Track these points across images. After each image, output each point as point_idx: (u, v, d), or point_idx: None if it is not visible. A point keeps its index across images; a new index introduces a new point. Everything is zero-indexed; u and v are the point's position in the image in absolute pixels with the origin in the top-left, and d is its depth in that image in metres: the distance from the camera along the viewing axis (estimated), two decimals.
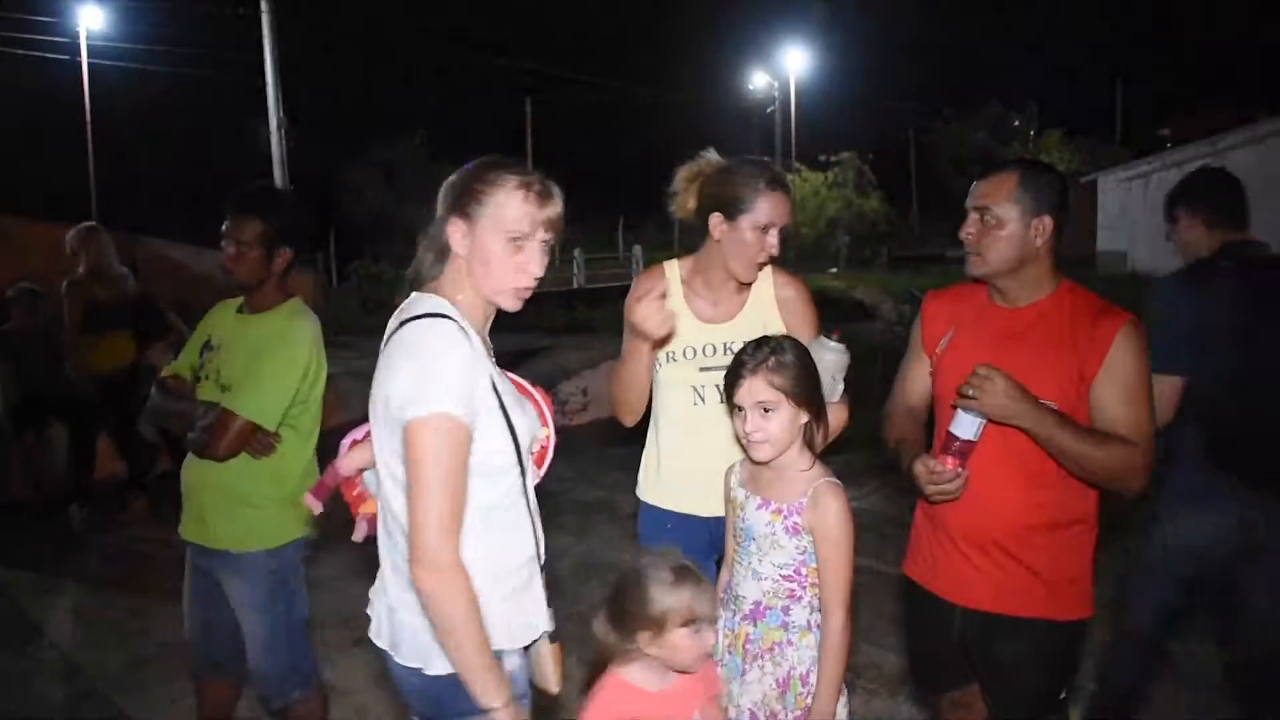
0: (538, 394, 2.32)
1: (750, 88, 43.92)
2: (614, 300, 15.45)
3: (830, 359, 2.62)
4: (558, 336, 11.92)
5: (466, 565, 1.91)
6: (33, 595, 5.35)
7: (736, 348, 2.60)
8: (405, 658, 2.01)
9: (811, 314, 2.89)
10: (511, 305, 2.08)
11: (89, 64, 27.88)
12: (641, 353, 2.70)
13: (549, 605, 2.12)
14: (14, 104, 29.87)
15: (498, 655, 1.97)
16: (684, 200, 2.86)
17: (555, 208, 2.04)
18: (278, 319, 3.02)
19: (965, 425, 2.37)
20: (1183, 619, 3.46)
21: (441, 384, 1.87)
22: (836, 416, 2.69)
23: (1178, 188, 3.37)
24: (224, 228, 3.00)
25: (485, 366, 2.00)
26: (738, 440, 2.48)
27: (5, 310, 6.85)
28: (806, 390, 2.39)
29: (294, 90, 18.36)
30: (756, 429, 2.37)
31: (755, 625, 2.44)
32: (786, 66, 42.18)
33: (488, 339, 2.12)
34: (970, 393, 2.33)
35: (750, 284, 2.85)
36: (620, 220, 31.04)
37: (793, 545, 2.40)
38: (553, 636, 2.12)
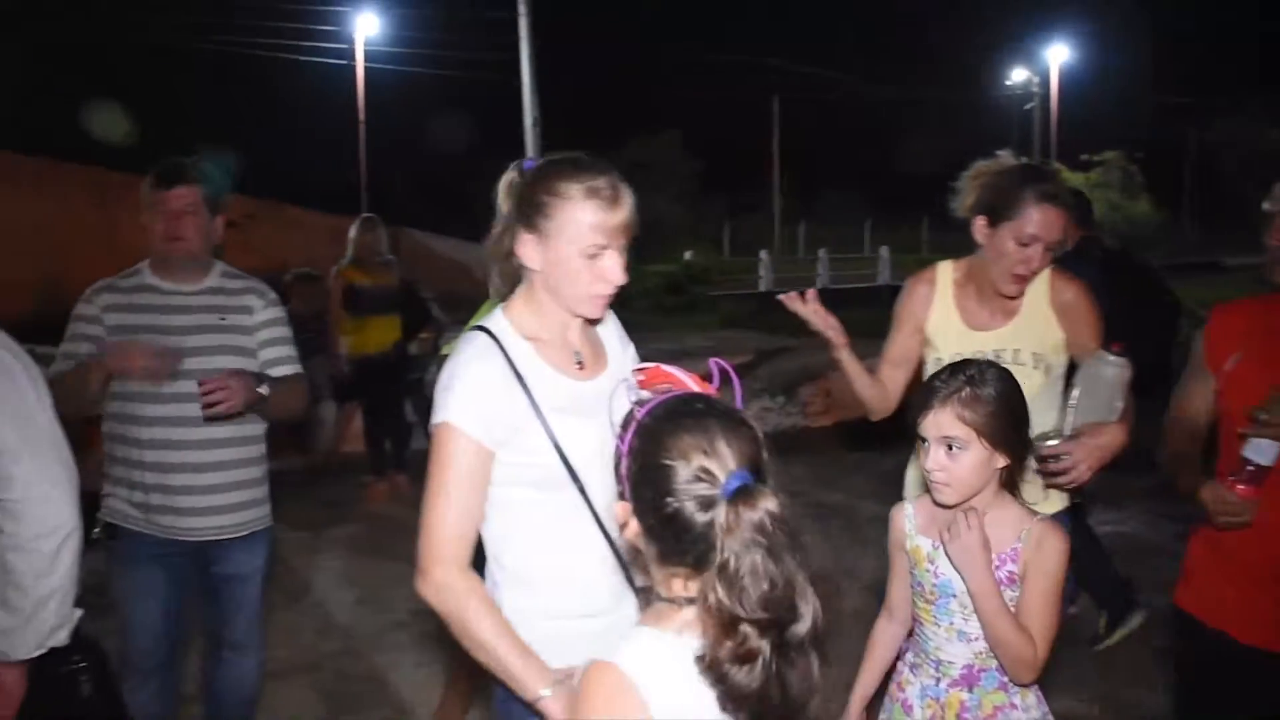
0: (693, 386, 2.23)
1: (1007, 83, 42.10)
2: (860, 301, 15.10)
3: (1110, 374, 2.45)
4: (802, 337, 11.77)
5: (525, 579, 1.96)
6: (305, 555, 5.80)
7: (1008, 357, 2.47)
8: None
9: (1094, 319, 2.71)
10: (593, 313, 2.02)
11: (364, 68, 29.97)
12: (841, 357, 2.69)
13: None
14: (298, 106, 32.46)
15: None
16: (965, 199, 2.74)
17: (624, 212, 1.92)
18: None
19: (1263, 450, 2.16)
20: None
21: (454, 396, 1.91)
22: (1114, 438, 2.51)
23: None
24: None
25: (539, 376, 1.97)
26: (923, 478, 2.19)
27: (286, 294, 7.47)
28: (1004, 430, 2.09)
29: (548, 89, 19.02)
30: (939, 467, 2.10)
31: (970, 691, 2.17)
32: (1048, 59, 40.12)
33: (576, 340, 2.06)
34: (1263, 417, 2.13)
35: (1015, 294, 2.69)
36: (868, 220, 30.45)
37: (1006, 598, 2.12)
38: None
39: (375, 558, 5.74)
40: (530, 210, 1.93)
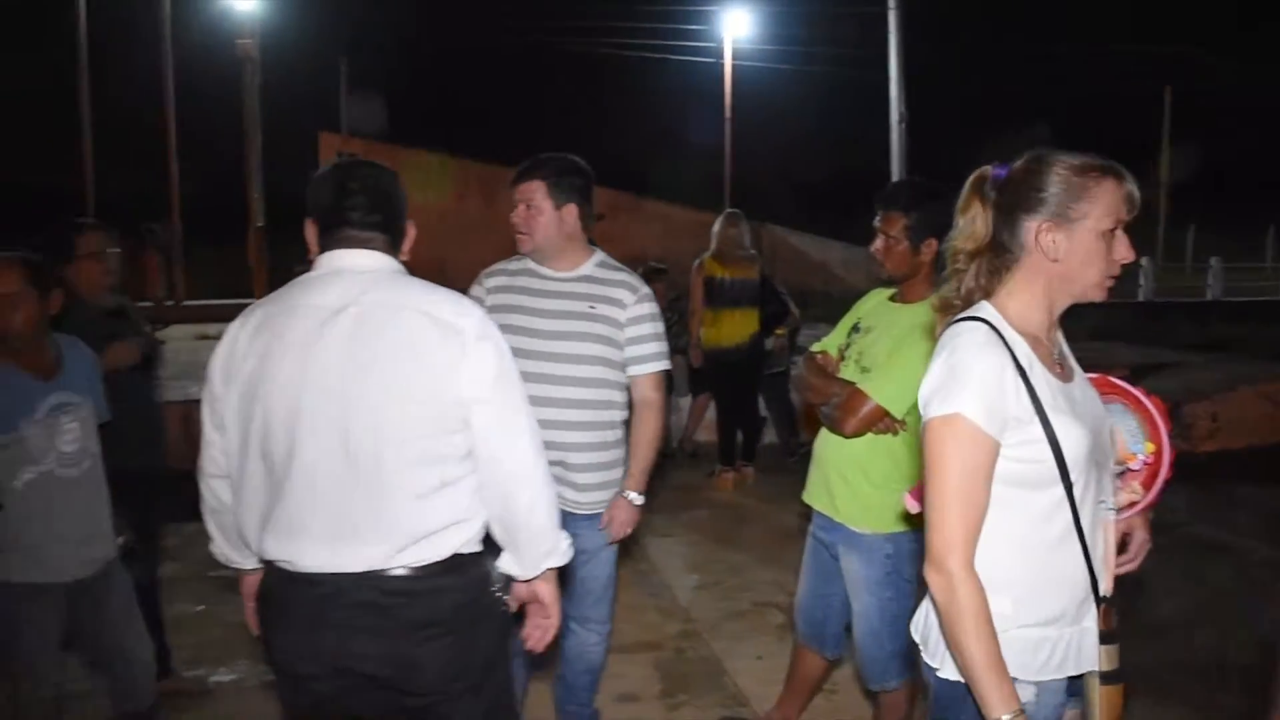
0: (1150, 404, 2.18)
1: None
2: (1257, 316, 13.55)
3: None
4: (1185, 353, 10.64)
5: (995, 581, 1.86)
6: (655, 537, 5.99)
7: None
8: (929, 655, 2.00)
9: None
10: (1102, 297, 1.97)
11: (731, 65, 30.64)
12: None
13: (1107, 642, 1.96)
14: (666, 103, 33.90)
15: None
16: None
17: (1134, 186, 1.93)
18: (925, 311, 3.01)
19: None
20: None
21: (960, 387, 1.86)
22: None
23: None
24: (875, 222, 3.11)
25: (1036, 372, 1.91)
26: None
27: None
28: None
29: (917, 85, 18.51)
30: None
31: None
32: None
33: (1053, 340, 2.01)
34: None
35: None
36: (1270, 227, 27.30)
37: None
38: (1112, 677, 1.96)
39: (719, 545, 5.88)
40: (1060, 197, 1.92)
